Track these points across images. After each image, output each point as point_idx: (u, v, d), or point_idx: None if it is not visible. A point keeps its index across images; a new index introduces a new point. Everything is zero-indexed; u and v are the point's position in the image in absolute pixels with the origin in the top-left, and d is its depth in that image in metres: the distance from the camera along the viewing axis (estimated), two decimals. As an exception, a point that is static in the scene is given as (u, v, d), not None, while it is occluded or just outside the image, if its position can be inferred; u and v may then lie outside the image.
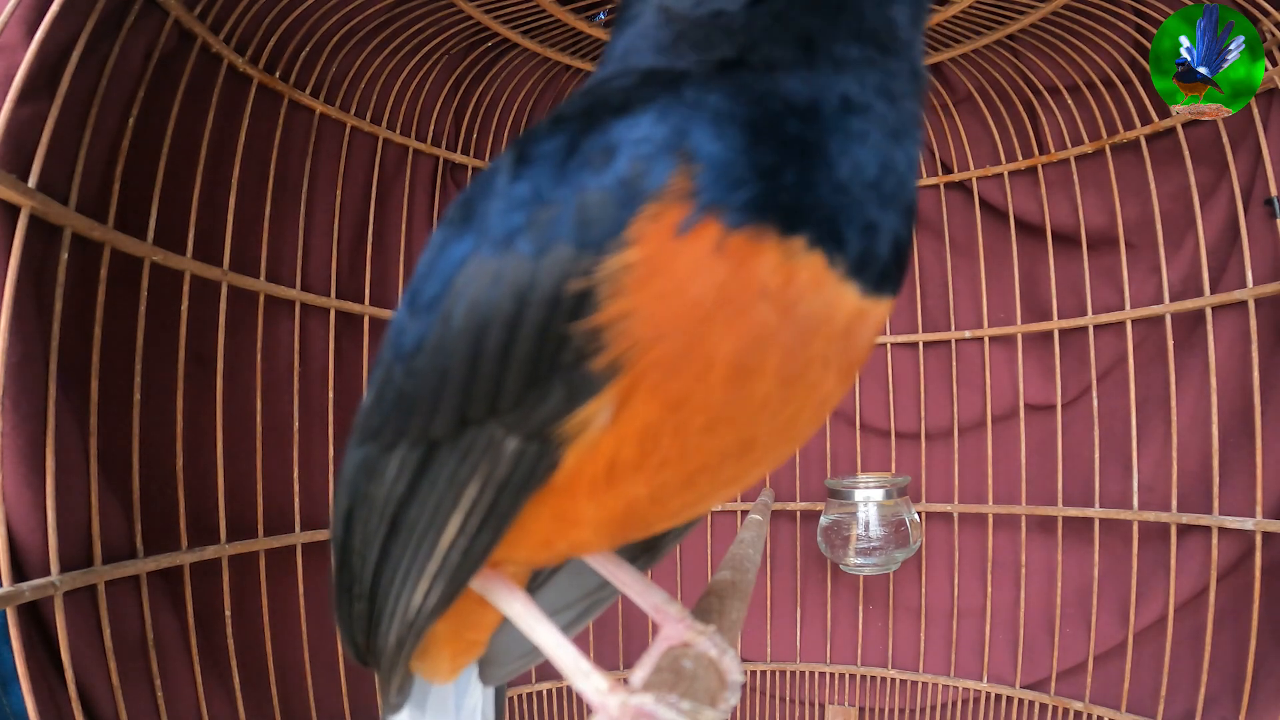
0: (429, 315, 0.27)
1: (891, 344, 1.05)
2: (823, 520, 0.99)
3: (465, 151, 0.99)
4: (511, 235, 0.25)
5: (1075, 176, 0.93)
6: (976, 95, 0.98)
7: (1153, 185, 0.87)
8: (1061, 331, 0.95)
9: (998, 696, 0.97)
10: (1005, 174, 0.99)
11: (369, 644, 0.32)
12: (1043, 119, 0.95)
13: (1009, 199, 0.98)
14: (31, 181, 0.50)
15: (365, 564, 0.30)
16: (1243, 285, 0.80)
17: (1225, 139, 0.82)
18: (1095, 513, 0.91)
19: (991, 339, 1.00)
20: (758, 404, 0.25)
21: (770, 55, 0.26)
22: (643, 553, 0.39)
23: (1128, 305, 0.90)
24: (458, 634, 0.37)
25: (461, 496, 0.27)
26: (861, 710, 1.04)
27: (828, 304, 0.25)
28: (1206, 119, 0.74)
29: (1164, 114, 0.86)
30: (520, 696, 0.99)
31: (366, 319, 0.87)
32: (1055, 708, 0.93)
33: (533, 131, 0.27)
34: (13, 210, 0.50)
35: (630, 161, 0.23)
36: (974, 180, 1.01)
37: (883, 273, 0.26)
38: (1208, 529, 0.82)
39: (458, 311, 0.26)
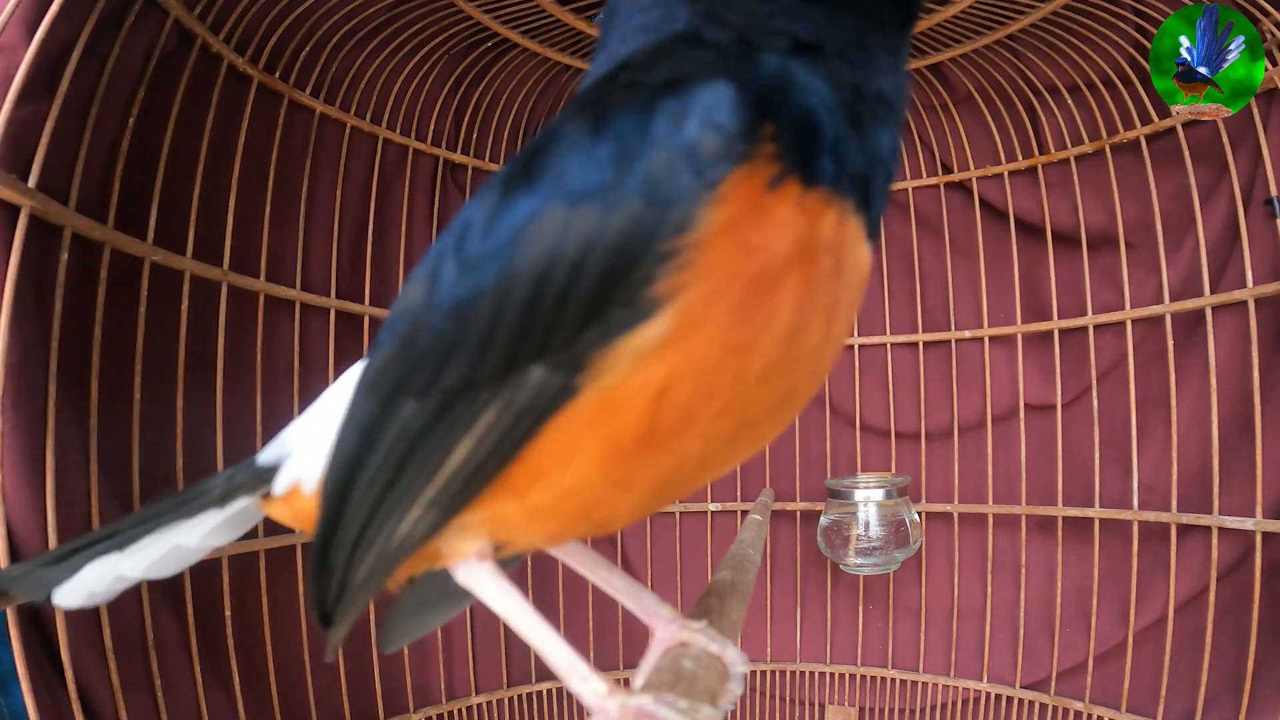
0: (486, 266, 0.27)
1: (891, 344, 1.05)
2: (823, 520, 0.99)
3: (465, 151, 0.99)
4: (593, 190, 0.26)
5: (1075, 176, 0.93)
6: (976, 95, 0.98)
7: (1153, 185, 0.87)
8: (1061, 331, 0.95)
9: (998, 696, 0.97)
10: (1005, 174, 0.98)
11: (340, 590, 0.32)
12: (1043, 119, 0.95)
13: (1009, 199, 0.98)
14: (31, 181, 0.50)
15: (360, 505, 0.30)
16: (1243, 285, 0.80)
17: (1225, 139, 0.82)
18: (1095, 513, 0.91)
19: (991, 339, 1.00)
20: (807, 352, 0.28)
21: (822, 44, 0.29)
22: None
23: (1128, 305, 0.90)
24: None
25: (477, 422, 0.27)
26: (861, 710, 1.04)
27: (858, 258, 0.29)
28: (1206, 119, 0.74)
29: (1164, 114, 0.86)
30: (520, 696, 0.99)
31: (366, 319, 0.87)
32: (1055, 708, 0.93)
33: (602, 96, 0.28)
34: (13, 210, 0.50)
35: (717, 125, 0.25)
36: (974, 180, 1.01)
37: (875, 237, 0.30)
38: (1208, 529, 0.82)
39: (523, 263, 0.26)
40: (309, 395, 0.80)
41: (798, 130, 0.26)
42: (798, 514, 1.07)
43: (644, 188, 0.25)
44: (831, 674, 1.05)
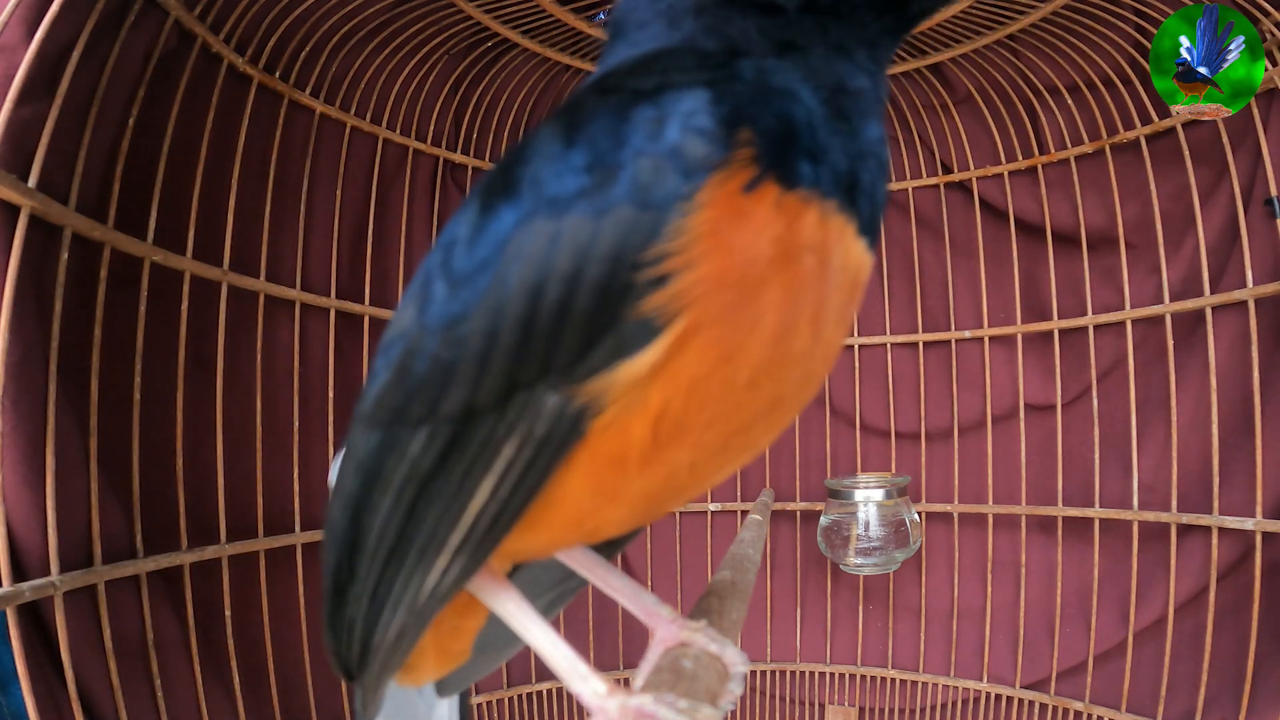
0: (476, 280, 0.26)
1: (891, 344, 1.05)
2: (823, 520, 0.99)
3: (465, 151, 0.99)
4: (573, 198, 0.25)
5: (1075, 176, 0.93)
6: (976, 95, 0.98)
7: (1153, 185, 0.87)
8: (1061, 331, 0.95)
9: (998, 696, 0.97)
10: (1005, 174, 0.98)
11: (364, 649, 0.30)
12: (1043, 119, 0.95)
13: (1009, 199, 0.98)
14: (31, 181, 0.50)
15: (375, 554, 0.29)
16: (1243, 285, 0.80)
17: (1225, 139, 0.82)
18: (1095, 513, 0.91)
19: (991, 339, 1.00)
20: (795, 356, 0.27)
21: (810, 46, 0.29)
22: (608, 545, 0.39)
23: (1128, 305, 0.90)
24: (442, 646, 0.36)
25: (496, 459, 0.26)
26: (861, 710, 1.04)
27: (847, 259, 0.28)
28: (1206, 119, 0.74)
29: (1164, 114, 0.86)
30: (520, 696, 0.99)
31: (366, 319, 0.87)
32: (1055, 708, 0.93)
33: (578, 103, 0.27)
34: (13, 210, 0.50)
35: (696, 129, 0.25)
36: (974, 180, 1.01)
37: (874, 233, 0.30)
38: (1208, 529, 0.81)
39: (513, 274, 0.26)
40: (309, 395, 0.80)
41: (773, 133, 0.26)
42: (798, 514, 1.07)
43: (633, 193, 0.24)
44: (831, 674, 1.05)
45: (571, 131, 0.26)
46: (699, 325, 0.25)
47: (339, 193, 0.85)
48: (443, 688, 0.41)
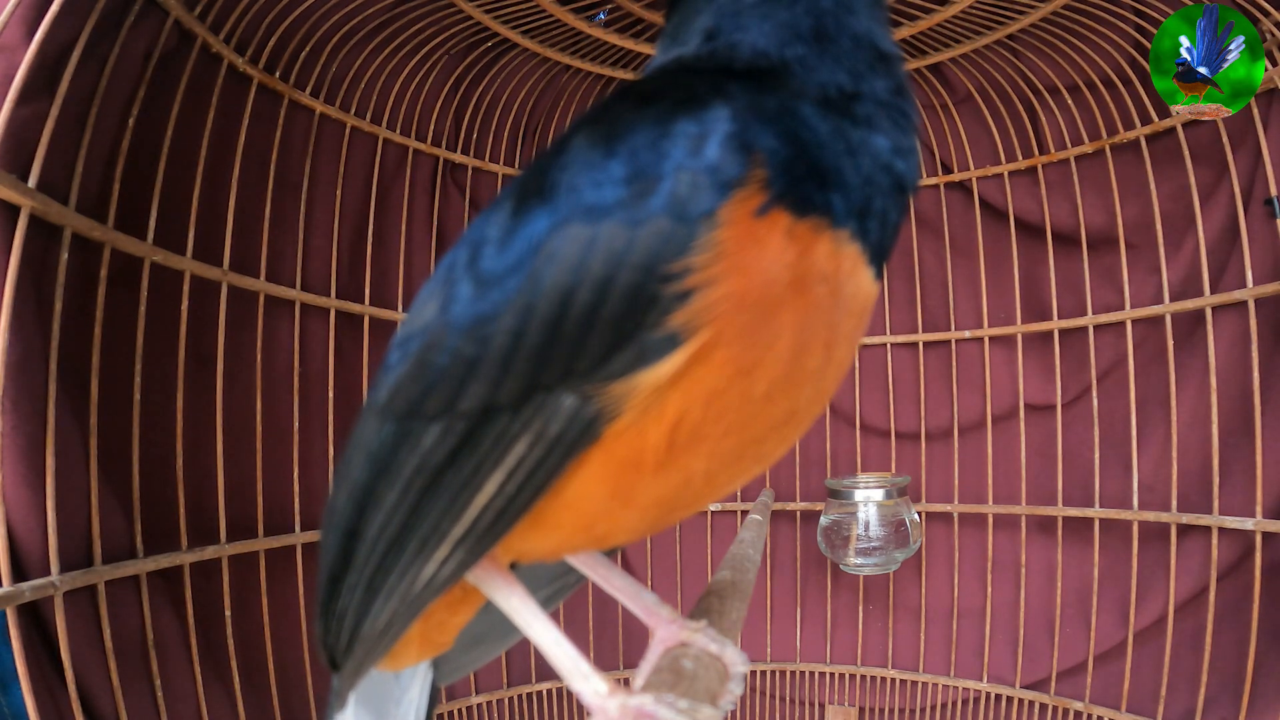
0: (506, 281, 0.27)
1: (891, 344, 1.05)
2: (823, 520, 0.99)
3: (465, 151, 0.98)
4: (611, 207, 0.26)
5: (1075, 176, 0.93)
6: (976, 95, 0.98)
7: (1153, 185, 0.87)
8: (1061, 331, 0.95)
9: (998, 696, 0.97)
10: (1005, 174, 0.98)
11: (352, 637, 0.31)
12: (1043, 119, 0.95)
13: (1009, 199, 0.98)
14: (31, 181, 0.50)
15: (376, 543, 0.29)
16: (1243, 285, 0.80)
17: (1225, 139, 0.82)
18: (1095, 513, 0.91)
19: (991, 339, 1.00)
20: (809, 374, 0.28)
21: (812, 61, 0.30)
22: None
23: (1128, 305, 0.90)
24: (427, 638, 0.36)
25: (507, 455, 0.27)
26: (861, 710, 1.04)
27: (858, 286, 0.29)
28: (1206, 119, 0.74)
29: (1164, 114, 0.86)
30: (520, 696, 0.99)
31: (366, 319, 0.87)
32: (1055, 708, 0.93)
33: (618, 111, 0.28)
34: (13, 210, 0.50)
35: (733, 148, 0.26)
36: (974, 180, 1.01)
37: (882, 260, 0.30)
38: (1208, 529, 0.82)
39: (545, 277, 0.26)
40: (309, 395, 0.80)
41: (782, 159, 0.26)
42: (798, 514, 1.07)
43: (670, 206, 0.25)
44: (831, 674, 1.05)
45: (611, 141, 0.27)
46: (718, 341, 0.25)
47: (339, 193, 0.85)
48: (442, 674, 0.41)
